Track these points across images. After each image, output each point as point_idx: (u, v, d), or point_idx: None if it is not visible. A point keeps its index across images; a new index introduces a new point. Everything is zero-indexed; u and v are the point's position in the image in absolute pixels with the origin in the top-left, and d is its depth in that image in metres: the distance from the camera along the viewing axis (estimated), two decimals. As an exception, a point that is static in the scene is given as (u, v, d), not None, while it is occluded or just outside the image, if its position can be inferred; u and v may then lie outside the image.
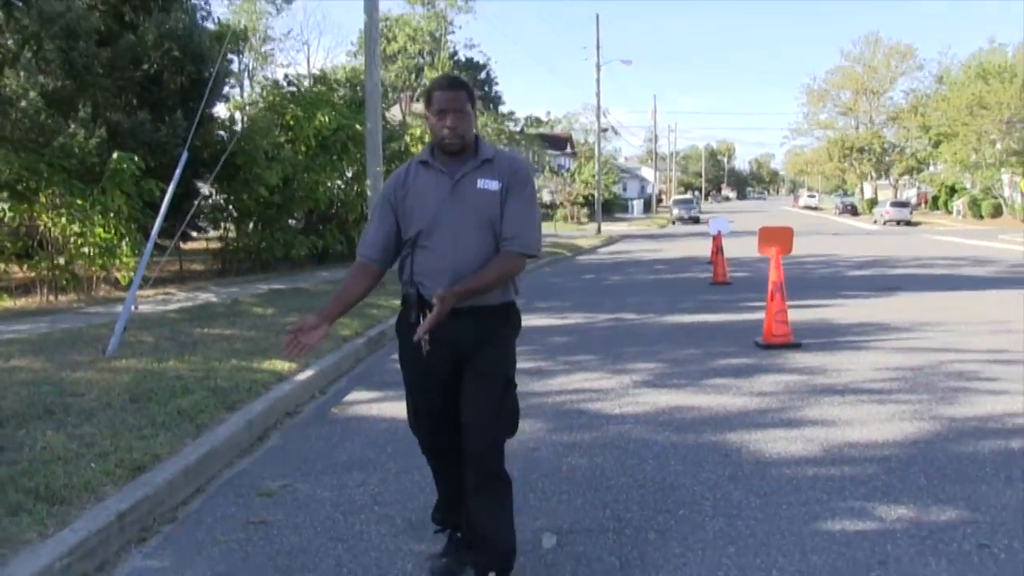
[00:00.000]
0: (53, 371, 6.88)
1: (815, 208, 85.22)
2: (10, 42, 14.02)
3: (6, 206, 13.63)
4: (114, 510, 3.85)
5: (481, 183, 3.22)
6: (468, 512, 3.35)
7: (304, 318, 3.24)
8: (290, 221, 19.91)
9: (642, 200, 77.38)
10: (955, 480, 4.63)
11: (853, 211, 67.45)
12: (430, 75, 47.83)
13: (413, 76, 51.88)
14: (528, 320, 10.96)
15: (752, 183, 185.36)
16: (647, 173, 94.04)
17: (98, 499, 3.95)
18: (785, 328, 8.81)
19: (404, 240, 3.32)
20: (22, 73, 13.15)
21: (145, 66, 15.10)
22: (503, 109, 56.04)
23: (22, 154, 12.97)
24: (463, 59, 52.31)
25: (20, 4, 13.85)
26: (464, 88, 3.26)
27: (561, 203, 54.65)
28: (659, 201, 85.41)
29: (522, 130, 54.86)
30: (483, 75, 55.15)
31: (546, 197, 56.00)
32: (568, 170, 61.58)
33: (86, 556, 3.51)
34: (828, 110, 78.60)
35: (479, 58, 54.16)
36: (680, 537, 3.88)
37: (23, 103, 12.94)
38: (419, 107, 48.94)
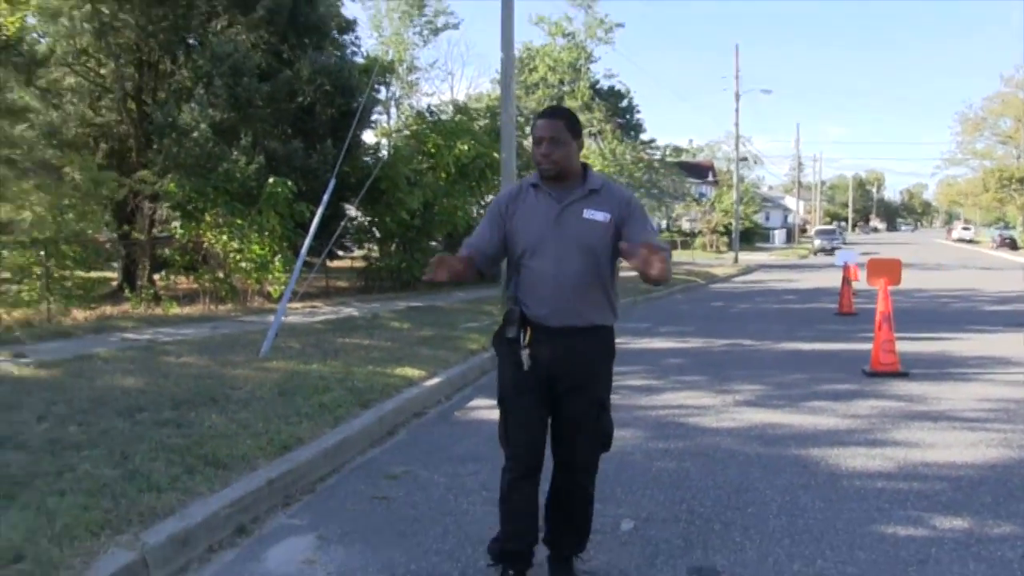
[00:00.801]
0: (216, 368, 7.94)
1: (970, 241, 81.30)
2: (187, 80, 15.64)
3: (178, 224, 15.19)
4: (265, 477, 4.68)
5: (588, 213, 3.36)
6: (548, 515, 3.66)
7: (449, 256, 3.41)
8: (431, 243, 21.00)
9: (784, 230, 76.06)
10: (1022, 500, 4.90)
11: (1012, 245, 63.81)
12: (570, 103, 48.80)
13: (555, 104, 52.98)
14: (649, 343, 11.69)
15: (903, 214, 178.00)
16: (791, 202, 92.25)
17: (252, 468, 4.80)
18: (892, 357, 9.02)
19: (510, 256, 3.50)
20: (195, 107, 14.71)
21: (300, 99, 16.52)
22: (644, 137, 56.32)
23: (193, 179, 14.47)
24: (604, 87, 53.01)
25: (197, 46, 15.47)
26: (563, 118, 3.43)
27: (700, 232, 54.50)
28: (803, 231, 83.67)
29: (662, 158, 54.98)
30: (624, 103, 55.62)
31: (685, 225, 55.92)
32: (708, 198, 61.30)
33: (242, 510, 4.33)
34: (985, 138, 75.14)
35: (620, 87, 54.69)
36: (742, 529, 4.38)
37: (195, 133, 14.46)
38: (558, 134, 49.90)
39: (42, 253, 12.65)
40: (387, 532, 4.30)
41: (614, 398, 6.64)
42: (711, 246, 52.68)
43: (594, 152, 41.87)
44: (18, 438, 5.15)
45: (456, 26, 47.13)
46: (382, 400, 6.88)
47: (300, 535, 4.25)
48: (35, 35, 15.46)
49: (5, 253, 12.62)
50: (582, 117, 49.03)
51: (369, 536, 4.23)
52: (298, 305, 14.75)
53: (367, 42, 43.67)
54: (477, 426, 6.74)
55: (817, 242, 57.52)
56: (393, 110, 41.78)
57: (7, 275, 12.73)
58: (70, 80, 16.76)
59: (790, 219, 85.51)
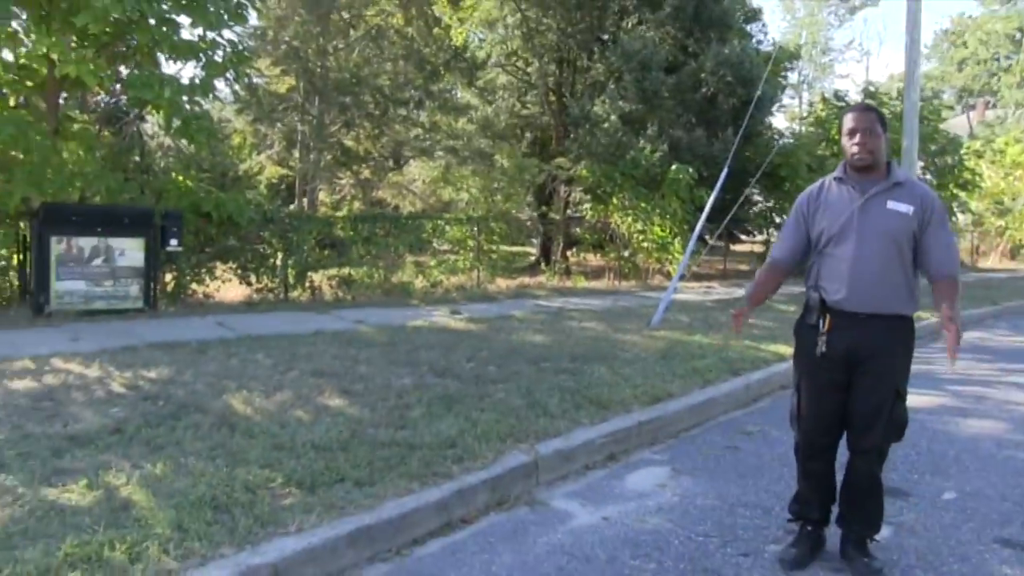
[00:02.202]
0: (610, 333, 9.10)
1: None
2: (600, 75, 17.20)
3: (588, 206, 16.82)
4: (636, 419, 5.62)
5: (892, 204, 3.50)
6: (841, 498, 3.77)
7: (741, 307, 3.86)
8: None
9: None
10: None
11: None
12: (1006, 80, 44.41)
13: (995, 79, 48.47)
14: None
15: None
16: None
17: (627, 411, 5.76)
18: None
19: (813, 247, 3.69)
20: (607, 100, 16.16)
21: (703, 89, 17.35)
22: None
23: (602, 165, 15.95)
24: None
25: (610, 43, 16.94)
26: (874, 111, 3.59)
27: None
28: None
29: None
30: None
31: None
32: None
33: (615, 442, 5.31)
34: None
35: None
36: (1078, 516, 4.43)
37: (606, 124, 15.92)
38: (991, 114, 45.60)
39: (475, 229, 14.79)
40: (730, 472, 5.02)
41: (987, 391, 6.80)
42: None
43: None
44: (454, 370, 6.63)
45: (875, 3, 44.95)
46: (751, 370, 7.52)
47: (658, 466, 5.12)
48: (475, 43, 17.90)
49: (447, 228, 14.95)
50: (1019, 94, 44.42)
51: (715, 473, 4.99)
52: (694, 284, 15.70)
53: (779, 25, 43.23)
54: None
55: None
56: (805, 93, 41.06)
57: (447, 246, 15.08)
58: (502, 79, 19.14)
59: None
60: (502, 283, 14.77)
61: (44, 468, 3.98)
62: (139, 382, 5.92)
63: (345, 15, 16.09)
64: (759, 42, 20.07)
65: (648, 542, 3.89)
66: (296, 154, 17.46)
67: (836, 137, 20.04)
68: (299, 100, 16.27)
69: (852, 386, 3.57)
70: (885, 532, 3.93)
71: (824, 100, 22.70)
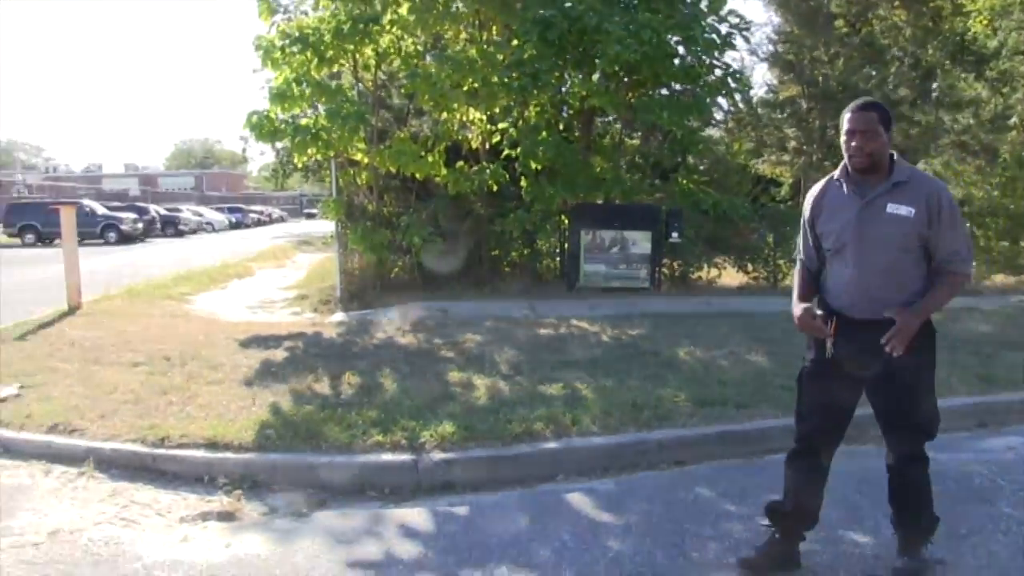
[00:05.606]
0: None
1: None
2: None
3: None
4: (1020, 397, 6.37)
5: (891, 208, 3.27)
6: (890, 503, 3.69)
7: (811, 311, 3.43)
8: None
9: None
10: None
11: None
12: None
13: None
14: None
15: None
16: None
17: (1015, 389, 6.51)
18: None
19: (821, 250, 3.55)
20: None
21: None
22: None
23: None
24: None
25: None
26: (875, 110, 3.30)
27: None
28: None
29: None
30: None
31: None
32: None
33: (989, 412, 6.17)
34: None
35: None
36: None
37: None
38: None
39: (967, 224, 14.71)
40: None
41: None
42: None
43: None
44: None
45: None
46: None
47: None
48: (987, 33, 17.43)
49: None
50: None
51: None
52: None
53: None
54: None
55: None
56: None
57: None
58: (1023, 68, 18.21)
59: None
60: (998, 279, 14.63)
61: (540, 376, 6.45)
62: (621, 337, 8.19)
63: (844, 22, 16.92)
64: None
65: (945, 473, 4.92)
66: (790, 157, 18.75)
67: None
68: (803, 106, 17.56)
69: (868, 391, 3.51)
70: None
71: None
